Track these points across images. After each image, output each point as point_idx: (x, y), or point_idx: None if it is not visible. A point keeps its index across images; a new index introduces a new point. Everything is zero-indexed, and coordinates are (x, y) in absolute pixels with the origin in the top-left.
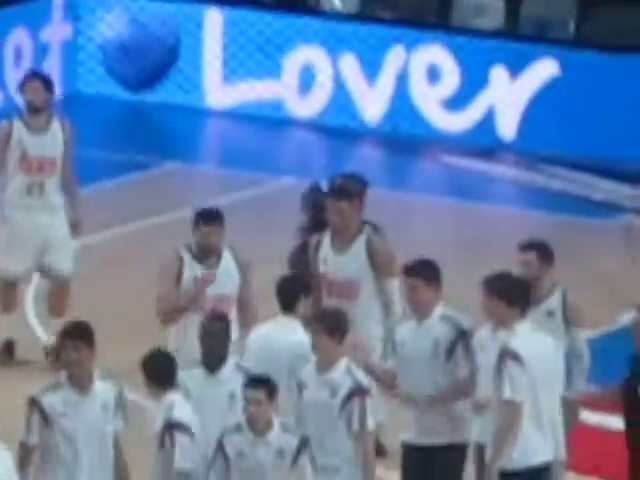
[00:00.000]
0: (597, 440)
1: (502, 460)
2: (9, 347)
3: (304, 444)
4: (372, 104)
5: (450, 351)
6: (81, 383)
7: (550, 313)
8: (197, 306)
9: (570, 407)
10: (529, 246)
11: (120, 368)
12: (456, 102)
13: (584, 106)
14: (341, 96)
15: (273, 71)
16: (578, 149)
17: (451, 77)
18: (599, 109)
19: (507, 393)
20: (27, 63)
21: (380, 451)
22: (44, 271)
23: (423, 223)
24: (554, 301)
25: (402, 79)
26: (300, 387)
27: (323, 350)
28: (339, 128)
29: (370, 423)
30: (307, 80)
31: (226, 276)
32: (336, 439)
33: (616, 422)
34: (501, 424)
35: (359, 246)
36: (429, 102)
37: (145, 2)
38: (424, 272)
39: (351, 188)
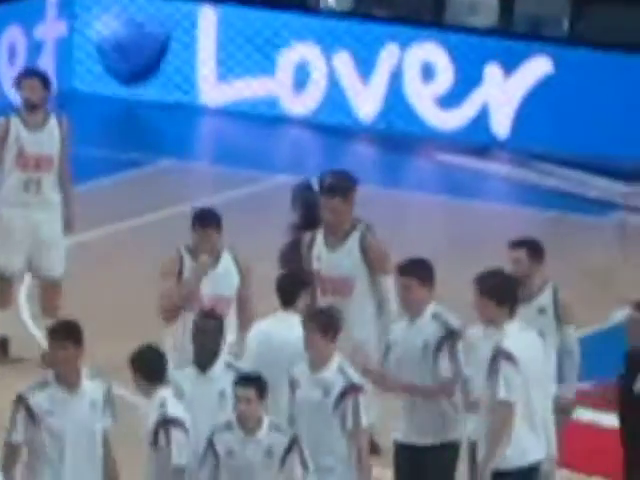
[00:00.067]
0: (591, 438)
1: (495, 460)
2: (3, 344)
3: (294, 444)
4: (366, 102)
5: (436, 351)
6: (69, 381)
7: (541, 310)
8: (195, 306)
9: (563, 405)
10: (519, 243)
11: (114, 365)
12: (450, 100)
13: (578, 104)
14: (336, 94)
15: (268, 69)
16: (572, 147)
17: (445, 75)
18: (593, 107)
19: (502, 393)
20: (21, 61)
21: (374, 449)
22: (34, 273)
23: (417, 221)
24: (545, 298)
25: (396, 77)
26: (293, 386)
27: (316, 348)
28: (334, 126)
29: (364, 421)
30: (302, 78)
31: (225, 277)
32: (330, 438)
33: (610, 420)
34: (495, 424)
35: (353, 243)
36: (423, 100)
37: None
38: (418, 271)
39: (343, 185)
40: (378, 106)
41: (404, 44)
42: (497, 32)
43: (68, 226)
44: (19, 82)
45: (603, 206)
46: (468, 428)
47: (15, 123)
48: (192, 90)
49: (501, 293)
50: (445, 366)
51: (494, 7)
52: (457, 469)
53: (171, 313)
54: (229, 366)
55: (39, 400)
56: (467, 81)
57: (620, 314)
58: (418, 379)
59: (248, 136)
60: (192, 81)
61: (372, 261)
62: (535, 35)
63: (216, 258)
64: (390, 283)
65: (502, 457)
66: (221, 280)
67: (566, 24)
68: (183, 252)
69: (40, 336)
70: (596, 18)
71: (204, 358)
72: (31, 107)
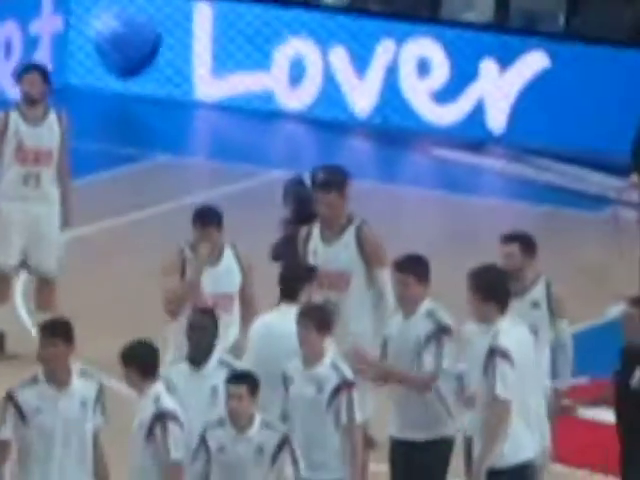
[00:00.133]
0: (588, 433)
1: (491, 457)
2: (0, 339)
3: (285, 442)
4: (362, 97)
5: (423, 344)
6: (59, 379)
7: (535, 304)
8: (197, 301)
9: (555, 397)
10: (512, 238)
11: (112, 360)
12: (446, 95)
13: (573, 99)
14: (331, 89)
15: (263, 64)
16: (567, 142)
17: (441, 70)
18: (588, 102)
19: (499, 391)
20: (17, 56)
21: (369, 444)
22: (30, 268)
23: (413, 215)
24: (538, 292)
25: (392, 72)
26: (286, 382)
27: (311, 344)
28: (329, 121)
29: (358, 416)
30: (297, 73)
31: (227, 274)
32: (324, 434)
33: (607, 415)
34: (491, 421)
35: (349, 237)
36: (419, 95)
37: None
38: (415, 268)
39: (338, 179)
40: (374, 101)
41: (400, 39)
42: (493, 27)
43: (66, 221)
44: (19, 76)
45: (598, 201)
46: (464, 423)
47: (14, 117)
48: (188, 85)
49: (488, 290)
50: (428, 360)
51: (490, 2)
52: (450, 464)
53: (175, 306)
54: (222, 363)
55: (28, 397)
56: (463, 76)
57: (615, 310)
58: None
59: (244, 131)
60: (188, 76)
61: (369, 255)
62: (531, 30)
63: (218, 255)
64: (387, 276)
65: (498, 455)
66: (223, 277)
67: (562, 19)
68: (185, 249)
69: (36, 332)
70: (591, 13)
71: (198, 355)
72: (31, 101)
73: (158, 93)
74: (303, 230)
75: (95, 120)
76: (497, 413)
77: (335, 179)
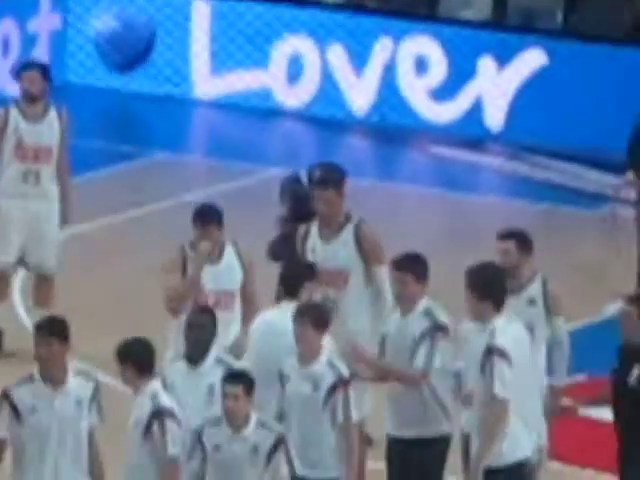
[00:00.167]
0: (585, 431)
1: (489, 456)
2: None
3: (280, 442)
4: (360, 95)
5: (418, 340)
6: (54, 378)
7: (531, 301)
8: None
9: (552, 395)
10: (508, 235)
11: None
12: (444, 93)
13: (571, 96)
14: (329, 87)
15: (261, 62)
16: (565, 139)
17: (439, 68)
18: (586, 99)
19: (497, 390)
20: (15, 54)
21: (366, 442)
22: (28, 265)
23: (411, 213)
24: (534, 289)
25: (390, 70)
26: (282, 380)
27: (308, 342)
28: (327, 119)
29: (354, 414)
30: (295, 71)
31: (228, 272)
32: (320, 432)
33: (604, 413)
34: (489, 420)
35: (347, 234)
36: (417, 93)
37: None
38: (414, 267)
39: (335, 176)
40: (372, 99)
41: (398, 37)
42: (491, 25)
43: (65, 218)
44: (19, 73)
45: (596, 199)
46: (461, 421)
47: (14, 114)
48: (185, 83)
49: (484, 288)
50: (421, 356)
51: (487, 0)
52: (447, 462)
53: (176, 304)
54: (219, 361)
55: (23, 396)
56: (461, 74)
57: (613, 308)
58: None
59: (241, 129)
60: (185, 74)
61: (367, 252)
62: (529, 28)
63: (219, 253)
64: (385, 274)
65: (496, 453)
66: (224, 275)
67: (559, 16)
68: (185, 247)
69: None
70: (589, 11)
71: (195, 353)
72: (31, 99)
73: (156, 91)
74: (301, 228)
75: (93, 118)
76: (495, 412)
77: (332, 176)
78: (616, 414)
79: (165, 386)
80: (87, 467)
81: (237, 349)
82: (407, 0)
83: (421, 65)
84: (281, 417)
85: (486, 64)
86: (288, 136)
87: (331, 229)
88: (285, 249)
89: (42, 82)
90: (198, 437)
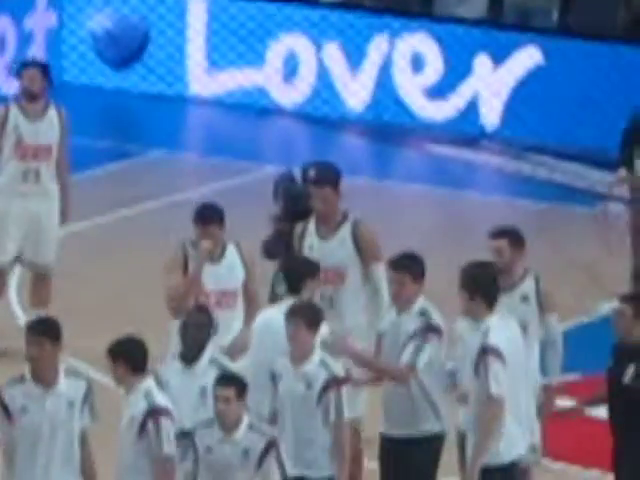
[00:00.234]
0: (580, 428)
1: (485, 455)
2: None
3: (271, 446)
4: (356, 93)
5: (408, 338)
6: (45, 378)
7: (524, 298)
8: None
9: (545, 393)
10: (500, 233)
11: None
12: (440, 91)
13: (567, 95)
14: (325, 85)
15: (257, 60)
16: (561, 138)
17: (435, 66)
18: (582, 98)
19: (493, 389)
20: (11, 52)
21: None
22: (26, 263)
23: (406, 212)
24: (527, 286)
25: (386, 68)
26: (275, 379)
27: (301, 342)
28: (323, 117)
29: (346, 413)
30: (291, 69)
31: (230, 271)
32: (313, 431)
33: (599, 411)
34: (484, 420)
35: (345, 233)
36: (413, 91)
37: None
38: (411, 267)
39: (331, 174)
40: (367, 97)
41: (393, 35)
42: (486, 23)
43: (64, 216)
44: (19, 72)
45: (592, 197)
46: (457, 419)
47: (14, 112)
48: (181, 81)
49: (476, 287)
50: (408, 351)
51: None
52: (441, 461)
53: (178, 303)
54: (213, 362)
55: (14, 396)
56: (456, 72)
57: (608, 305)
58: None
59: (237, 127)
60: (181, 72)
61: (364, 251)
62: (524, 26)
63: (220, 252)
64: (382, 272)
65: (493, 452)
66: (226, 274)
67: (555, 15)
68: (187, 246)
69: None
70: (585, 9)
71: (191, 352)
72: (30, 97)
73: (152, 89)
74: (299, 226)
75: (89, 116)
76: (491, 411)
77: (328, 174)
78: (611, 412)
79: (160, 384)
80: (79, 468)
81: (235, 348)
82: None
83: (417, 63)
84: (274, 416)
85: (482, 62)
86: (284, 134)
87: (328, 227)
88: (279, 247)
89: (42, 80)
90: (191, 438)
